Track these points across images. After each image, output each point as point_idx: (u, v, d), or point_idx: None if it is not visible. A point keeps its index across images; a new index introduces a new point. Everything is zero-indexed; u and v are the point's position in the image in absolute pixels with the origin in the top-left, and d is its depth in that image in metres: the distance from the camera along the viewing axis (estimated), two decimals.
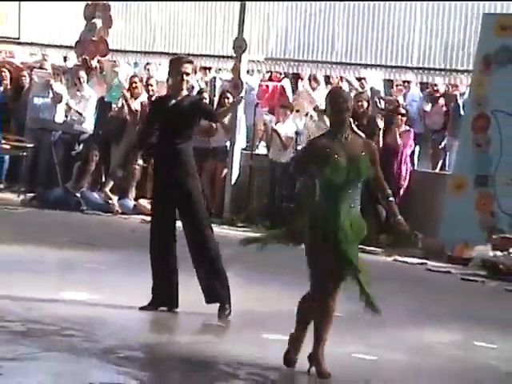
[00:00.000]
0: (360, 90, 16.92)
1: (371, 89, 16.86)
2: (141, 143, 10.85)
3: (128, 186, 17.00)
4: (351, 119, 11.39)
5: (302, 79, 17.69)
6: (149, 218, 11.71)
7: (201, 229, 10.16)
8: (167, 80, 17.18)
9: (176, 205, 10.16)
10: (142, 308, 9.90)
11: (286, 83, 17.93)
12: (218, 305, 10.11)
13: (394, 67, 16.80)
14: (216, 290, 10.16)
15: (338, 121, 7.68)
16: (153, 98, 16.66)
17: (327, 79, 17.74)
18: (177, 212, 10.23)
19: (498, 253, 13.63)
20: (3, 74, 18.89)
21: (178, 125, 10.35)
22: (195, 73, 18.06)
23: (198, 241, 10.15)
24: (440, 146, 16.62)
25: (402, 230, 7.92)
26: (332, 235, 7.38)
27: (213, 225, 16.41)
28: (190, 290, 10.63)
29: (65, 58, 19.94)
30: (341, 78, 17.56)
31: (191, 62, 10.79)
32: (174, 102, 10.45)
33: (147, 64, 18.84)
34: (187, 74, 10.35)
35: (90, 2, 19.44)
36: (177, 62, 10.61)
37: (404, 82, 17.05)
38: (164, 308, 10.01)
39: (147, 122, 11.00)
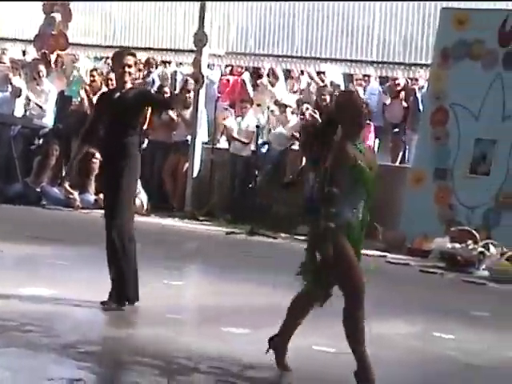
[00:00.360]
0: (321, 83, 16.78)
1: (331, 83, 16.85)
2: (87, 137, 10.59)
3: (86, 181, 16.91)
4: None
5: (261, 73, 17.60)
6: None
7: (115, 224, 10.00)
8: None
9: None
10: (102, 303, 9.79)
11: (247, 77, 17.95)
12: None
13: (354, 61, 17.04)
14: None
15: (357, 126, 7.33)
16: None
17: (287, 73, 17.79)
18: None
19: (457, 245, 13.65)
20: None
21: (123, 117, 10.23)
22: (156, 67, 18.28)
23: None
24: (400, 140, 16.75)
25: None
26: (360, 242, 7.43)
27: (175, 219, 16.45)
28: (149, 284, 10.50)
29: (24, 52, 19.96)
30: (301, 72, 17.57)
31: (133, 55, 10.66)
32: (118, 94, 10.33)
33: (107, 58, 18.57)
34: (129, 66, 10.19)
35: None
36: (119, 56, 10.51)
37: (364, 75, 17.18)
38: (124, 302, 9.88)
39: (93, 117, 10.85)
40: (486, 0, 15.66)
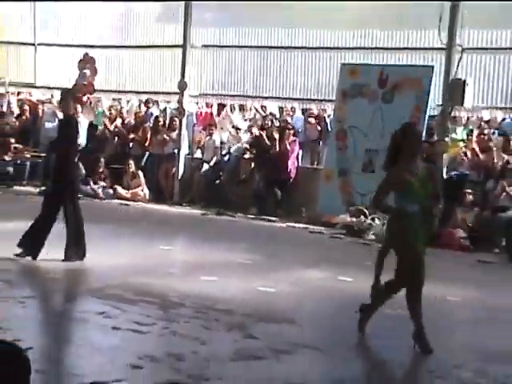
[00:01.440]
0: (263, 114, 16.89)
1: (270, 113, 16.90)
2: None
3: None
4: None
5: (224, 106, 17.59)
6: None
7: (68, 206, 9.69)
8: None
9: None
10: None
11: (214, 109, 17.73)
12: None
13: (285, 98, 16.87)
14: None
15: (415, 152, 6.82)
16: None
17: (241, 107, 17.74)
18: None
19: (354, 219, 13.83)
20: (25, 107, 18.69)
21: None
22: (152, 104, 18.25)
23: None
24: (316, 150, 16.45)
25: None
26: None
27: (167, 206, 16.30)
28: (149, 248, 10.92)
29: None
30: (250, 108, 17.64)
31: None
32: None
33: (120, 99, 18.87)
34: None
35: (82, 58, 18.74)
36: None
37: (291, 108, 17.12)
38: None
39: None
40: None
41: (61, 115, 17.18)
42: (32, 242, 9.50)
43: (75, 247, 9.62)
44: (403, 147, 6.67)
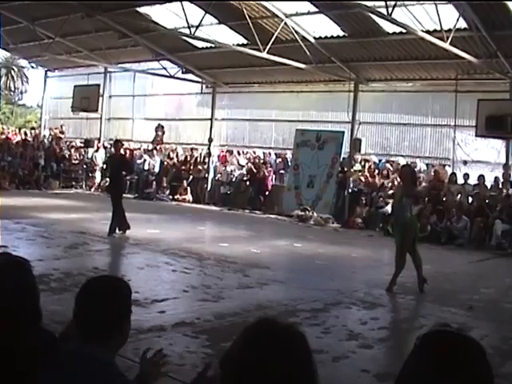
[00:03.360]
0: (254, 156, 16.00)
1: (258, 156, 15.97)
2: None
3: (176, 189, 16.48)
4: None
5: (232, 152, 16.76)
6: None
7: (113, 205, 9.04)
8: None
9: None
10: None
11: (228, 153, 16.90)
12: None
13: (265, 147, 16.32)
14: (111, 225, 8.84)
15: (415, 184, 6.59)
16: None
17: (242, 152, 16.74)
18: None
19: (302, 212, 13.43)
20: (127, 152, 16.86)
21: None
22: (192, 151, 17.32)
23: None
24: (282, 175, 15.51)
25: None
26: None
27: (201, 205, 15.34)
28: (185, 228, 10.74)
29: (147, 147, 18.17)
30: (247, 152, 16.57)
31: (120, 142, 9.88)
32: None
33: (176, 147, 17.93)
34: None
35: (156, 125, 17.93)
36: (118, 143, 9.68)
37: (269, 153, 16.22)
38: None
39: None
40: None
41: (146, 157, 17.27)
42: (120, 224, 9.03)
43: (118, 226, 8.98)
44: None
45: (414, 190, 6.62)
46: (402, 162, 13.09)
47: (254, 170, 15.47)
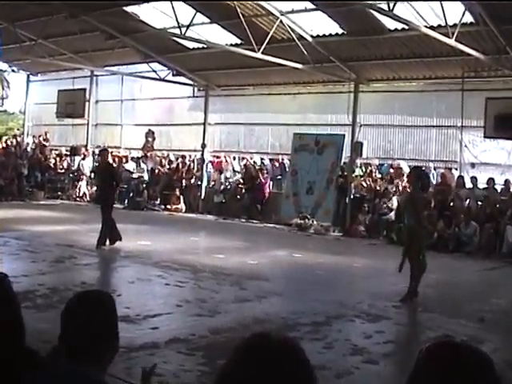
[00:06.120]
0: (252, 161, 15.82)
1: (254, 161, 15.84)
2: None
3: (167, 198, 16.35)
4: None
5: (228, 157, 16.64)
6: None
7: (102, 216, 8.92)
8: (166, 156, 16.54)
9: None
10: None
11: (222, 159, 16.67)
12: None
13: (262, 153, 16.26)
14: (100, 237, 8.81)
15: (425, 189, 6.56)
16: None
17: (238, 157, 16.80)
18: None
19: (301, 221, 13.43)
20: (115, 159, 16.88)
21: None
22: (185, 158, 17.23)
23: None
24: (280, 181, 15.43)
25: None
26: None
27: (194, 214, 15.26)
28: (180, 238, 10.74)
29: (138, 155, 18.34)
30: (244, 158, 16.67)
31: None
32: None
33: (168, 154, 17.92)
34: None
35: (147, 131, 17.88)
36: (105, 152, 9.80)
37: (270, 158, 16.16)
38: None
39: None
40: None
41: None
42: (110, 236, 9.00)
43: (108, 237, 8.94)
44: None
45: (421, 197, 6.57)
46: (404, 165, 13.11)
47: (252, 177, 15.42)
